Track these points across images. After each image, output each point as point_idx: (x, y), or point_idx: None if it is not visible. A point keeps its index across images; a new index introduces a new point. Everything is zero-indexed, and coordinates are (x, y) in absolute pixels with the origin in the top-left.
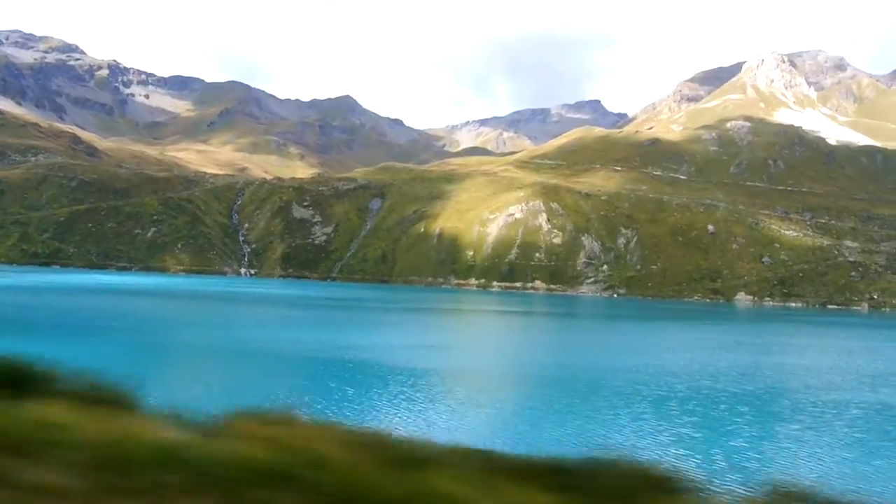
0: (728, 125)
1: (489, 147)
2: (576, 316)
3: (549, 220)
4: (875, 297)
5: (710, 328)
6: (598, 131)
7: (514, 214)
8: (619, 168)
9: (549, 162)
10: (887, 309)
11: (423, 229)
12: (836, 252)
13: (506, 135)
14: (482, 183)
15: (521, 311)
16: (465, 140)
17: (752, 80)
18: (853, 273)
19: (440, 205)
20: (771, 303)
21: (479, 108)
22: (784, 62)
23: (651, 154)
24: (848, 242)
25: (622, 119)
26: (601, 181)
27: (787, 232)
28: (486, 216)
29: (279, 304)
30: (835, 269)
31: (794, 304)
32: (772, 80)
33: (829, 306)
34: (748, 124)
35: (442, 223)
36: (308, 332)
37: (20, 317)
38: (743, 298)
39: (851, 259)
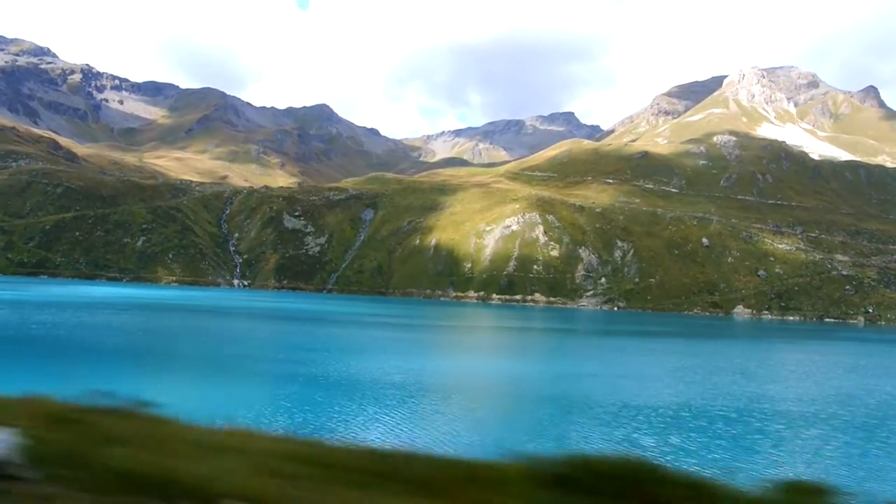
0: (714, 139)
1: (466, 157)
2: (639, 334)
3: (545, 232)
4: (870, 310)
5: (787, 346)
6: (587, 144)
7: (510, 226)
8: (611, 181)
9: (539, 174)
10: (883, 322)
11: (418, 241)
12: (829, 266)
13: (481, 146)
14: (476, 195)
15: (576, 329)
16: (441, 150)
17: (733, 94)
18: (847, 287)
19: (434, 216)
20: (769, 316)
21: (453, 118)
22: (764, 77)
23: (641, 167)
24: (839, 256)
25: (596, 131)
26: (594, 194)
27: (779, 246)
28: (483, 228)
29: (341, 324)
30: (829, 282)
31: (791, 318)
32: (753, 95)
33: (826, 320)
34: (734, 138)
35: (437, 235)
36: (464, 359)
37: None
38: (741, 312)
39: (844, 273)
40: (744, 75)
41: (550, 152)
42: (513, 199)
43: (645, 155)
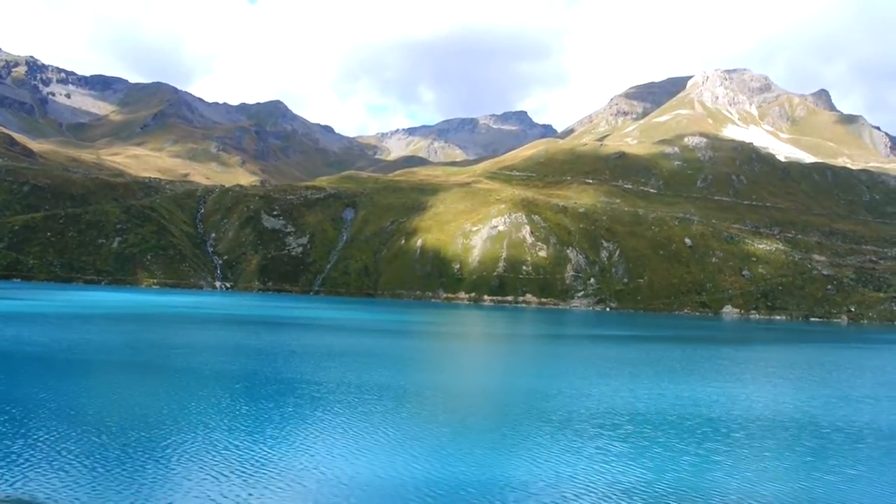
0: (686, 140)
1: (422, 155)
2: (704, 340)
3: (532, 233)
4: (852, 309)
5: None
6: (563, 143)
7: (497, 227)
8: (591, 181)
9: (517, 174)
10: (865, 321)
11: (403, 241)
12: (809, 266)
13: (436, 144)
14: (458, 195)
15: (636, 336)
16: (396, 148)
17: (698, 95)
18: (829, 286)
19: (417, 216)
20: (757, 316)
21: (403, 116)
22: (727, 79)
23: (619, 168)
24: (816, 256)
25: (549, 131)
26: (574, 194)
27: (760, 246)
28: (469, 228)
29: (404, 334)
30: (811, 282)
31: (778, 317)
32: (717, 97)
33: (812, 319)
34: (705, 140)
35: (423, 235)
36: (658, 385)
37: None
38: (730, 311)
39: (825, 273)
40: (707, 77)
41: (526, 151)
42: (497, 199)
43: (622, 155)
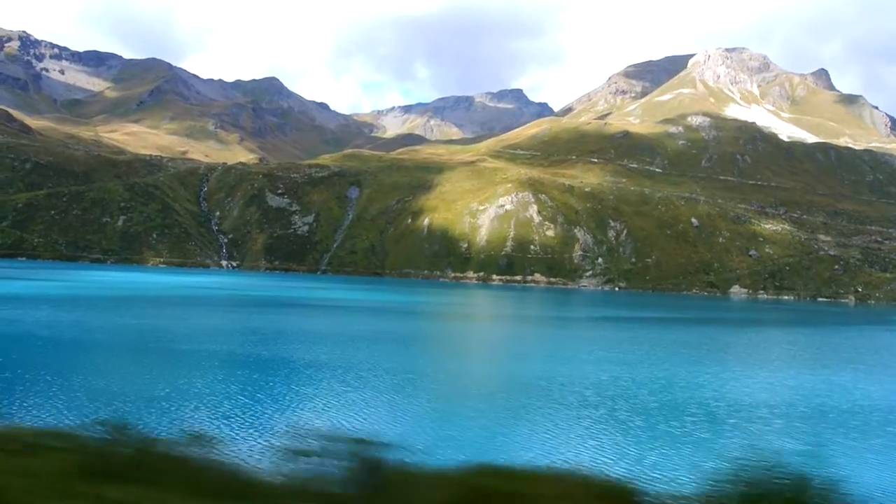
0: (689, 120)
1: (418, 133)
2: (772, 323)
3: (539, 212)
4: (859, 289)
5: None
6: (566, 122)
7: (504, 206)
8: (596, 160)
9: (521, 152)
10: (872, 301)
11: (410, 220)
12: (816, 246)
13: (433, 122)
14: (464, 173)
15: (679, 318)
16: (392, 126)
17: (700, 74)
18: (836, 266)
19: (423, 195)
20: (765, 296)
21: (397, 93)
22: (729, 59)
23: (624, 147)
24: (822, 236)
25: (545, 109)
26: (580, 173)
27: (766, 226)
28: (476, 207)
29: (457, 318)
30: (818, 262)
31: (786, 297)
32: (718, 76)
33: (819, 299)
34: (708, 119)
35: (429, 214)
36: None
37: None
38: (738, 291)
39: (831, 253)
40: (709, 56)
41: (529, 130)
42: (503, 178)
43: (626, 135)
